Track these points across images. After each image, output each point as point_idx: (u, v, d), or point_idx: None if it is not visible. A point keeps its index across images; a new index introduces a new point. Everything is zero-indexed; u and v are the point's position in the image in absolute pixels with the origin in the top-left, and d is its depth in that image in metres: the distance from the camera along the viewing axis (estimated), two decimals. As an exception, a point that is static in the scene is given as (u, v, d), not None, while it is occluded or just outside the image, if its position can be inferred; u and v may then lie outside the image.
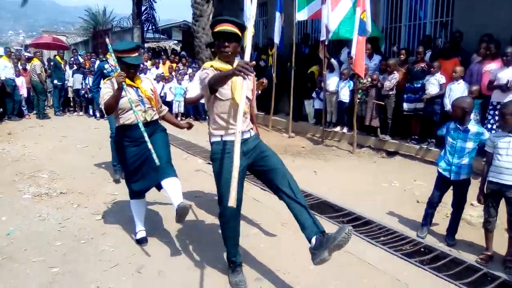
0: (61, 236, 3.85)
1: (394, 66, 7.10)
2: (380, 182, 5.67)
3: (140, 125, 3.39)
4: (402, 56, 7.28)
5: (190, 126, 3.97)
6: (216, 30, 2.84)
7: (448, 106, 6.06)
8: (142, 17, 18.47)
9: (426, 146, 6.56)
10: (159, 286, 3.05)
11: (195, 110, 11.15)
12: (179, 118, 10.63)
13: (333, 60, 8.38)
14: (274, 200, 4.81)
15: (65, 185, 5.31)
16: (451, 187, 3.84)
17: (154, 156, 3.33)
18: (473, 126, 3.65)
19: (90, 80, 10.92)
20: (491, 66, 5.83)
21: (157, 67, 12.26)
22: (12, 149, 7.32)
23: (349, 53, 8.35)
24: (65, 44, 16.87)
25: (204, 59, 11.84)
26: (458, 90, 5.99)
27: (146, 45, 17.90)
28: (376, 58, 7.83)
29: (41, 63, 11.69)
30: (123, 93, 3.37)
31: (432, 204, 3.91)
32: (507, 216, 3.33)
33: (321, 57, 8.04)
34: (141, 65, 9.42)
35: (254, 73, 3.10)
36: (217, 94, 2.81)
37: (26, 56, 13.36)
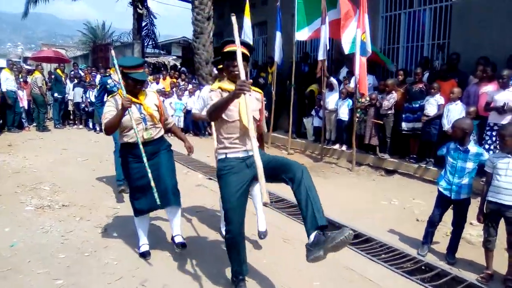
0: (64, 248, 3.86)
1: (393, 86, 7.25)
2: (380, 200, 5.73)
3: (140, 146, 3.43)
4: (400, 76, 7.43)
5: (190, 152, 3.94)
6: (225, 50, 2.91)
7: (446, 126, 6.18)
8: (143, 33, 18.68)
9: (424, 165, 6.65)
10: (164, 300, 3.07)
11: (195, 126, 11.21)
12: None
13: (332, 79, 8.52)
14: (276, 215, 4.89)
15: (67, 198, 5.33)
16: (451, 206, 3.91)
17: (156, 195, 3.45)
18: (473, 147, 3.75)
19: (90, 93, 11.03)
20: (488, 88, 5.98)
21: (158, 83, 12.38)
22: (13, 161, 7.33)
23: (348, 72, 8.54)
24: (66, 58, 17.01)
25: (204, 75, 12.04)
26: (456, 110, 6.13)
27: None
28: (370, 78, 7.95)
29: (42, 76, 11.77)
30: (126, 112, 3.41)
31: (433, 223, 3.96)
32: (507, 236, 3.39)
33: (318, 76, 8.17)
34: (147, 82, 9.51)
35: (262, 93, 3.19)
36: (223, 116, 2.85)
37: (27, 69, 13.45)
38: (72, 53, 29.04)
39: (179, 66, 16.56)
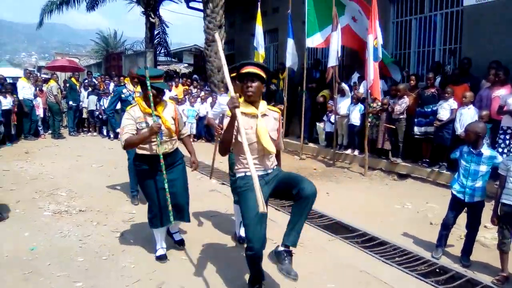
0: (83, 252, 3.95)
1: (404, 90, 7.27)
2: (393, 204, 5.73)
3: (161, 161, 3.57)
4: (412, 81, 7.43)
5: (194, 168, 3.97)
6: (242, 72, 2.98)
7: (459, 130, 6.17)
8: (155, 41, 18.95)
9: (437, 169, 6.63)
10: (181, 302, 3.12)
11: (207, 132, 11.31)
12: (191, 139, 10.77)
13: (344, 85, 8.55)
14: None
15: (83, 203, 5.44)
16: (465, 209, 3.91)
17: (171, 214, 3.65)
18: (486, 150, 3.76)
19: (104, 101, 11.20)
20: (501, 92, 5.95)
21: (170, 90, 12.51)
22: (30, 168, 7.49)
23: (359, 78, 8.57)
24: (80, 67, 17.30)
25: (216, 82, 12.16)
26: (468, 114, 6.12)
27: (158, 67, 18.30)
28: (380, 83, 7.92)
29: (57, 85, 12.00)
30: (143, 125, 3.56)
31: (447, 226, 3.97)
32: (521, 238, 3.39)
33: (328, 81, 8.21)
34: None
35: (280, 112, 3.23)
36: (238, 139, 2.85)
37: (43, 78, 13.73)
38: (86, 62, 29.57)
39: (191, 74, 16.73)
